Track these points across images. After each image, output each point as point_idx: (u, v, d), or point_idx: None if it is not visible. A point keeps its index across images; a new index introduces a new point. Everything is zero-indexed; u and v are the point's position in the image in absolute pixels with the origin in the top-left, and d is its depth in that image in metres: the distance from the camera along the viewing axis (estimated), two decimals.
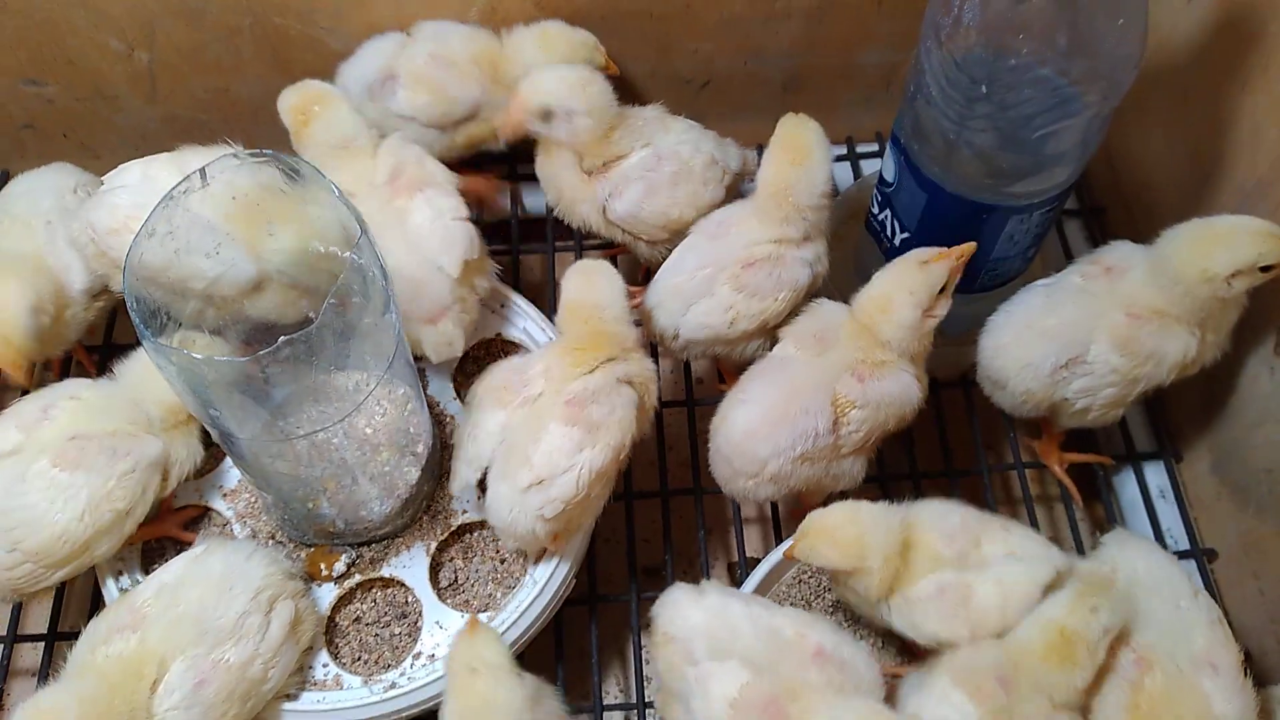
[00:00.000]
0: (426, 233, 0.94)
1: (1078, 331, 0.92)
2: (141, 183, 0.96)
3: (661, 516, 1.04)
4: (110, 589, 0.91)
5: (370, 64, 1.08)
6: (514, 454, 0.85)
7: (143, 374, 0.89)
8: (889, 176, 0.98)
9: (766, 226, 0.96)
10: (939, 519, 0.85)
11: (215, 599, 0.79)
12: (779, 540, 0.98)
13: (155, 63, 1.13)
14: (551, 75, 1.01)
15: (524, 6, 1.11)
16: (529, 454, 0.83)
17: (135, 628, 0.77)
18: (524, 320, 1.06)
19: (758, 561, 0.94)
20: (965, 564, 0.83)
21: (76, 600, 0.99)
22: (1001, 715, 0.75)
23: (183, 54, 1.13)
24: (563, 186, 1.06)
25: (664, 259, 1.03)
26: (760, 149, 1.05)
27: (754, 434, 0.87)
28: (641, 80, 1.21)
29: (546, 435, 0.84)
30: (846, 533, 0.81)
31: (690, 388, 1.12)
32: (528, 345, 1.06)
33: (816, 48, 1.19)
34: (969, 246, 0.89)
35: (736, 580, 1.05)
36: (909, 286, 0.89)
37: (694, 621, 0.78)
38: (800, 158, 0.95)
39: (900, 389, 0.89)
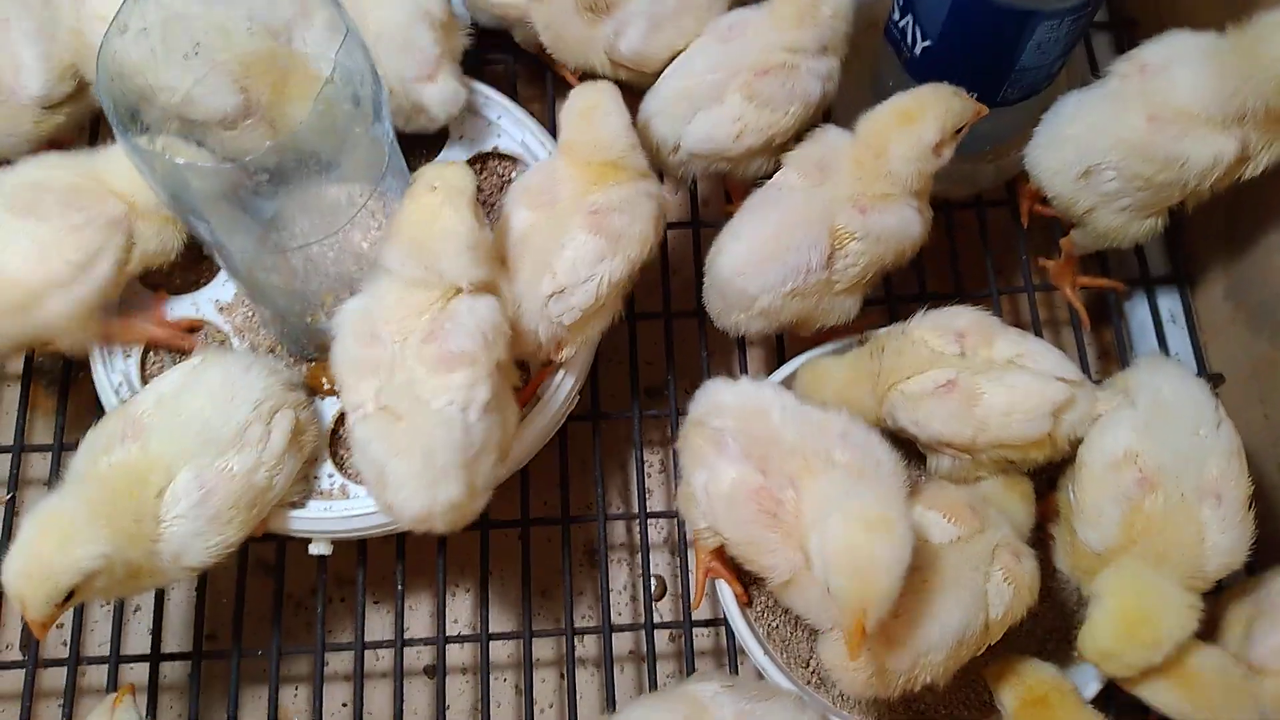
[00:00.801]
0: None
1: (1097, 137, 0.88)
2: None
3: (665, 337, 1.03)
4: (109, 399, 0.91)
5: None
6: (537, 258, 0.83)
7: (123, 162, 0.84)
8: None
9: (783, 32, 0.91)
10: (945, 319, 0.85)
11: (216, 409, 0.79)
12: (781, 362, 0.97)
13: None
14: None
15: None
16: (551, 261, 0.82)
17: (136, 437, 0.77)
18: (522, 132, 1.02)
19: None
20: (973, 364, 0.83)
21: (84, 414, 0.99)
22: (976, 538, 0.77)
23: None
24: (563, 30, 0.99)
25: None
26: None
27: (743, 271, 0.86)
28: None
29: (571, 243, 0.82)
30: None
31: (696, 209, 1.09)
32: (525, 159, 1.02)
33: None
34: (982, 108, 0.86)
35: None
36: (937, 110, 0.84)
37: (726, 400, 0.80)
38: None
39: (901, 222, 0.86)
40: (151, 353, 0.95)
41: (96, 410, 0.96)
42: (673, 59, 0.98)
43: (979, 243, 1.08)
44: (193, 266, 0.97)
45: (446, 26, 0.95)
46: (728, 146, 0.93)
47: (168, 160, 0.69)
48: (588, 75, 1.03)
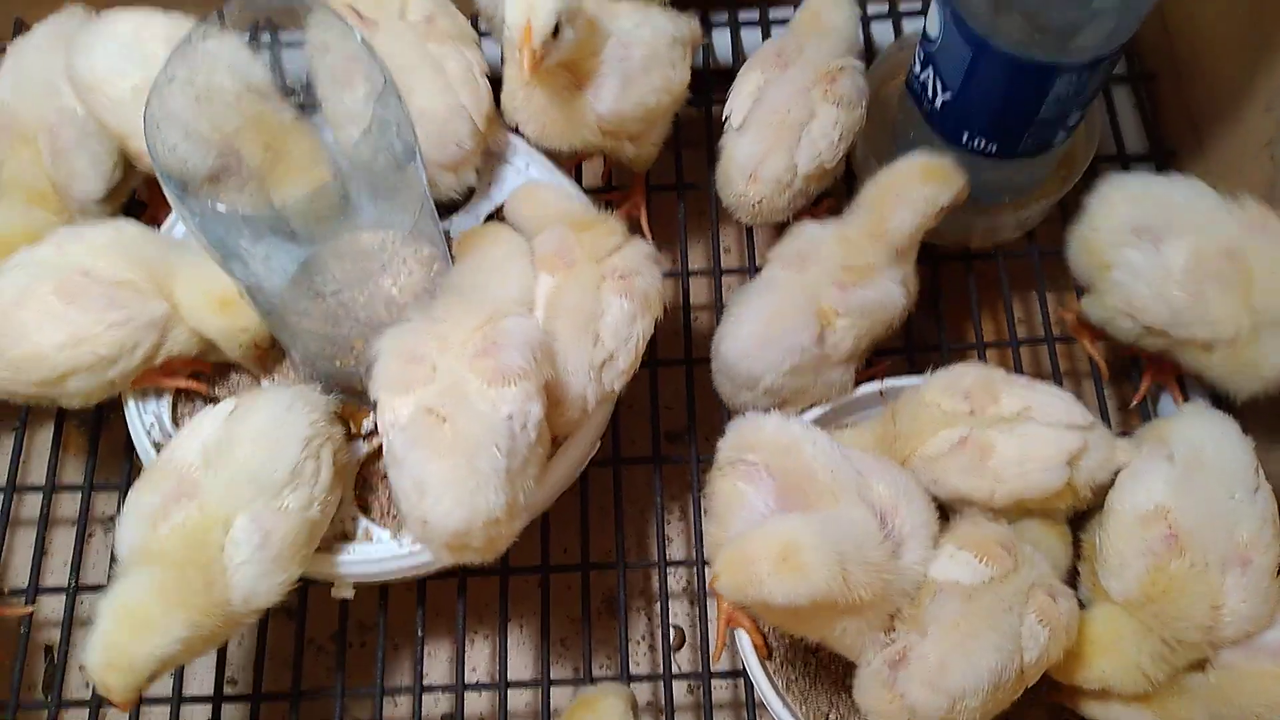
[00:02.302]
0: (459, 82, 0.96)
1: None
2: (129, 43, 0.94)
3: (686, 384, 1.04)
4: (141, 441, 0.92)
5: None
6: (572, 322, 0.85)
7: (186, 262, 0.90)
8: (933, 32, 0.93)
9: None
10: (952, 379, 0.87)
11: (267, 454, 0.79)
12: None
13: None
14: None
15: None
16: (596, 330, 0.85)
17: (191, 496, 0.77)
18: (550, 179, 1.04)
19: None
20: (983, 420, 0.83)
21: (115, 453, 1.01)
22: (1010, 577, 0.76)
23: None
24: (559, 111, 0.97)
25: (649, 159, 1.04)
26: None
27: (746, 354, 0.90)
28: None
29: (609, 310, 0.85)
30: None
31: (718, 257, 1.10)
32: None
33: None
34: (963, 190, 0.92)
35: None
36: (922, 192, 0.90)
37: (759, 436, 0.81)
38: None
39: (882, 295, 0.90)
40: (183, 393, 0.96)
41: (127, 450, 0.98)
42: (645, 115, 0.99)
43: (999, 293, 1.09)
44: None
45: (489, 121, 0.99)
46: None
47: (209, 206, 0.71)
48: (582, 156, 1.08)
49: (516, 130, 1.03)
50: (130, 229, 0.91)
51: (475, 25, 1.12)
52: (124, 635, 0.73)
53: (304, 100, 0.90)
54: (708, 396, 0.98)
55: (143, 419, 0.93)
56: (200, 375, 0.96)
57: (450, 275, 0.91)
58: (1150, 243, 0.87)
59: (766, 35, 1.20)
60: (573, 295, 0.87)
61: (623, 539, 0.98)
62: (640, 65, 0.96)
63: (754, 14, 1.22)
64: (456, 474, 0.73)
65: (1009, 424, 0.83)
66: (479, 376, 0.75)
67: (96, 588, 0.93)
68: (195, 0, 0.99)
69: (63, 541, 1.12)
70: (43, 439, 1.13)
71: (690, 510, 1.10)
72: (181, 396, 0.96)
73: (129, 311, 0.86)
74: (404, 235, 0.87)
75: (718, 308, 1.07)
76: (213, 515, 0.78)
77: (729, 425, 0.84)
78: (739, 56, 1.19)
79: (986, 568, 0.75)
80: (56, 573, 1.10)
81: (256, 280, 0.80)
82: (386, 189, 0.77)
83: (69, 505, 1.08)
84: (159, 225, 1.00)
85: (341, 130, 0.86)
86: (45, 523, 1.00)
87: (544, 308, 0.87)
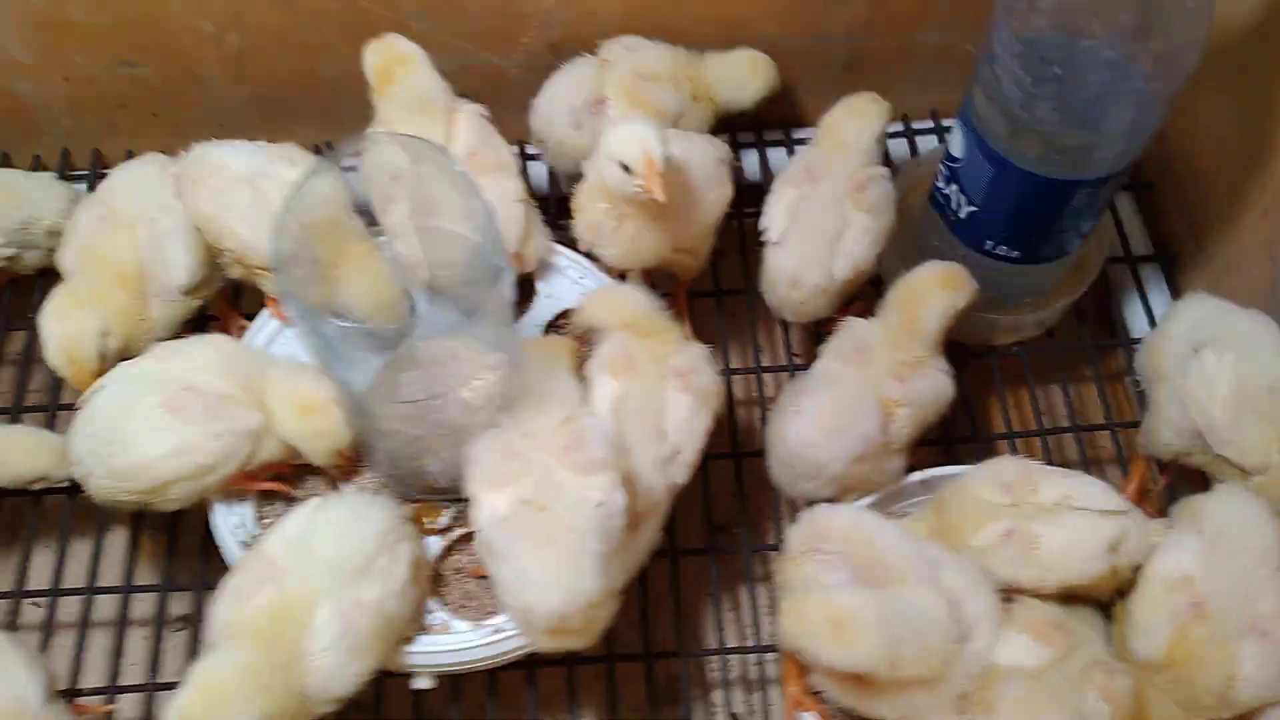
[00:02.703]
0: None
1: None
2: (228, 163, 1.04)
3: (735, 476, 1.10)
4: (225, 540, 0.97)
5: (572, 92, 1.13)
6: (643, 423, 0.91)
7: (277, 374, 0.96)
8: (956, 152, 1.02)
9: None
10: (993, 472, 0.92)
11: (344, 545, 0.85)
12: None
13: (245, 45, 1.18)
14: (644, 124, 0.96)
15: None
16: (662, 426, 0.91)
17: (274, 579, 0.83)
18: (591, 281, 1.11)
19: None
20: (1026, 511, 0.89)
21: (190, 556, 1.05)
22: (1069, 657, 0.82)
23: (271, 36, 1.18)
24: (649, 237, 1.04)
25: (699, 269, 1.12)
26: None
27: (812, 443, 0.95)
28: None
29: (672, 407, 0.91)
30: None
31: (757, 356, 1.17)
32: None
33: (878, 28, 1.23)
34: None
35: None
36: (934, 298, 0.98)
37: (833, 525, 0.86)
38: None
39: (935, 384, 0.98)
40: (266, 497, 1.01)
41: (203, 550, 1.03)
42: (704, 232, 1.07)
43: (1024, 386, 1.16)
44: None
45: (524, 242, 1.05)
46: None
47: (333, 325, 0.78)
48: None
49: (570, 245, 1.11)
50: (226, 344, 0.98)
51: (523, 147, 1.21)
52: (201, 708, 0.77)
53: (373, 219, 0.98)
54: (757, 488, 1.04)
55: (228, 520, 0.98)
56: (282, 477, 1.01)
57: (521, 382, 0.97)
58: (1203, 359, 0.96)
59: (790, 153, 1.30)
60: (638, 396, 0.93)
61: (682, 627, 1.03)
62: (702, 186, 1.05)
63: (778, 134, 1.32)
64: (558, 560, 0.78)
65: (1050, 514, 0.88)
66: (569, 469, 0.81)
67: (172, 685, 0.96)
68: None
69: (136, 643, 1.15)
70: (116, 542, 1.17)
71: (743, 598, 1.15)
72: (264, 498, 1.01)
73: (229, 423, 0.92)
74: (480, 344, 0.93)
75: (760, 403, 1.14)
76: (294, 598, 0.83)
77: (802, 516, 0.90)
78: (766, 173, 1.28)
79: (1045, 649, 0.80)
80: (128, 673, 1.12)
81: (349, 381, 0.87)
82: (474, 305, 0.84)
83: (142, 607, 1.12)
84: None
85: (438, 253, 0.94)
86: (124, 624, 1.04)
87: (610, 409, 0.93)
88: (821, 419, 0.95)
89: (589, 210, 1.05)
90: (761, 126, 1.32)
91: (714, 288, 1.22)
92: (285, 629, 0.81)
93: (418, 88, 1.04)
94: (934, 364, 0.99)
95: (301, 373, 0.97)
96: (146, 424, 0.91)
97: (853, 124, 1.10)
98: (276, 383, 0.96)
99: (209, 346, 0.96)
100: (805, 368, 1.19)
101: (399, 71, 1.04)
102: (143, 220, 1.05)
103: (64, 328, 1.00)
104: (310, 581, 0.83)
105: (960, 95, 1.02)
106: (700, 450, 0.94)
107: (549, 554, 0.79)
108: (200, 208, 1.04)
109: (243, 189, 1.03)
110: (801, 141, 1.30)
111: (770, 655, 1.11)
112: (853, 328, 1.01)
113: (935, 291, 0.99)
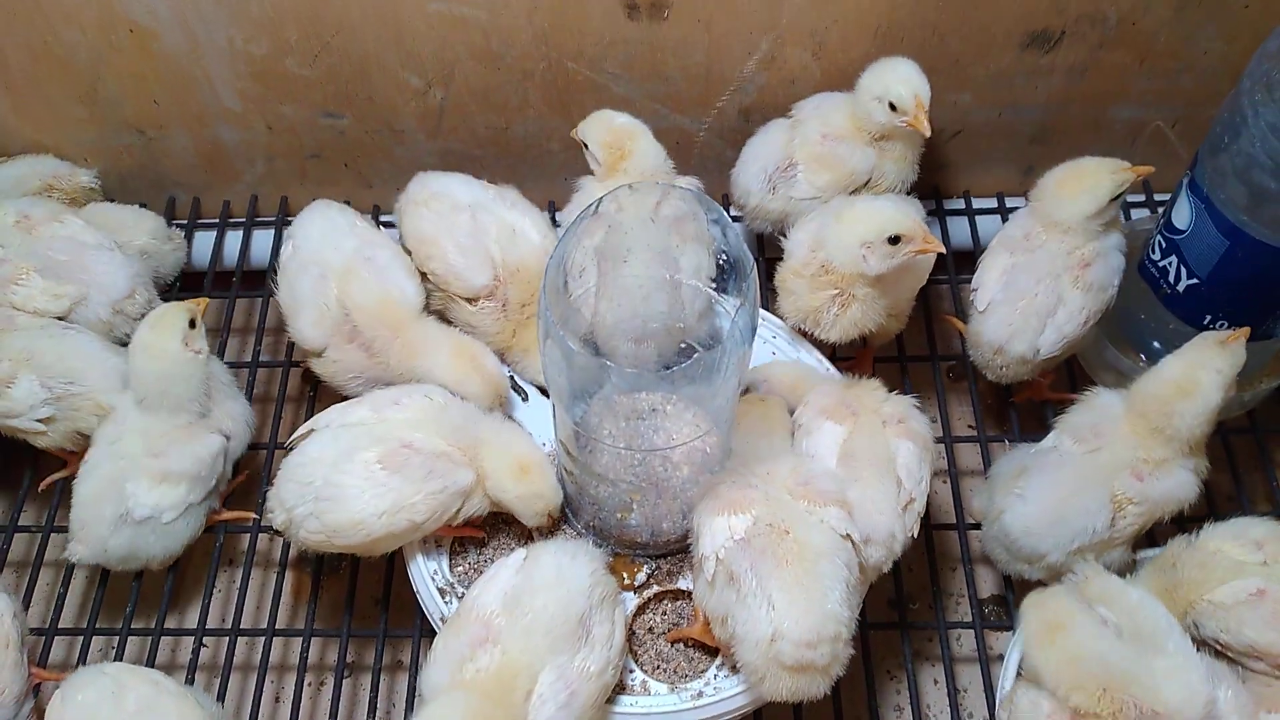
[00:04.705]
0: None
1: None
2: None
3: (925, 550, 1.06)
4: (423, 587, 0.96)
5: (766, 156, 1.14)
6: (875, 469, 0.90)
7: (491, 431, 0.97)
8: (1180, 224, 1.00)
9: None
10: (1238, 529, 0.89)
11: (556, 602, 0.83)
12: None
13: (448, 101, 1.22)
14: (909, 65, 1.07)
15: (802, 57, 1.16)
16: (896, 474, 0.89)
17: (495, 641, 0.81)
18: (796, 350, 1.11)
19: None
20: (1277, 573, 0.85)
21: (336, 605, 1.05)
22: None
23: (474, 93, 1.21)
24: (865, 317, 1.04)
25: (896, 332, 1.11)
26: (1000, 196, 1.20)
27: (1033, 532, 0.93)
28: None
29: (900, 453, 0.90)
30: None
31: (947, 425, 1.14)
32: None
33: (1072, 102, 1.22)
34: (1245, 330, 0.91)
35: None
36: (1215, 365, 0.90)
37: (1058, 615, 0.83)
38: None
39: (1177, 486, 0.93)
40: (458, 543, 1.00)
41: (348, 600, 1.02)
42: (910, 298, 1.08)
43: (1224, 468, 1.11)
44: None
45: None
46: (1079, 334, 1.03)
47: (593, 359, 0.78)
48: None
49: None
50: (439, 396, 0.97)
51: (727, 207, 1.22)
52: None
53: None
54: (945, 559, 1.00)
55: (426, 567, 0.97)
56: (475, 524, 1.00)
57: (729, 439, 0.95)
58: None
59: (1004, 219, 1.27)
60: (866, 441, 0.92)
61: (875, 704, 0.98)
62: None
63: (958, 204, 1.31)
64: (807, 582, 0.77)
65: None
66: (804, 500, 0.82)
67: None
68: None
69: (290, 689, 1.14)
70: (265, 583, 1.16)
71: (944, 677, 1.09)
72: (456, 544, 1.00)
73: (444, 481, 0.92)
74: (685, 400, 0.92)
75: (951, 476, 1.11)
76: (514, 661, 0.81)
77: (1026, 601, 0.86)
78: (977, 241, 1.26)
79: None
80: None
81: (585, 420, 0.88)
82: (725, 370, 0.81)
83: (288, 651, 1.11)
84: None
85: (673, 307, 0.92)
86: (265, 668, 1.02)
87: (838, 454, 0.92)
88: (1046, 508, 0.92)
89: (800, 294, 1.05)
90: (940, 195, 1.31)
91: (930, 352, 1.19)
92: (508, 693, 0.80)
93: (648, 162, 1.06)
94: (1182, 462, 0.92)
95: (513, 431, 0.97)
96: (363, 479, 0.90)
97: (1072, 200, 1.03)
98: (490, 443, 0.95)
99: (424, 400, 0.96)
100: (996, 439, 1.17)
101: (630, 146, 1.06)
102: (359, 260, 1.06)
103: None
104: (529, 643, 0.81)
105: (1143, 167, 1.01)
106: (926, 500, 0.92)
107: (795, 576, 0.76)
108: (420, 228, 1.07)
109: (464, 216, 1.06)
110: (982, 212, 1.29)
111: None
112: (1094, 401, 0.96)
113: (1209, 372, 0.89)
